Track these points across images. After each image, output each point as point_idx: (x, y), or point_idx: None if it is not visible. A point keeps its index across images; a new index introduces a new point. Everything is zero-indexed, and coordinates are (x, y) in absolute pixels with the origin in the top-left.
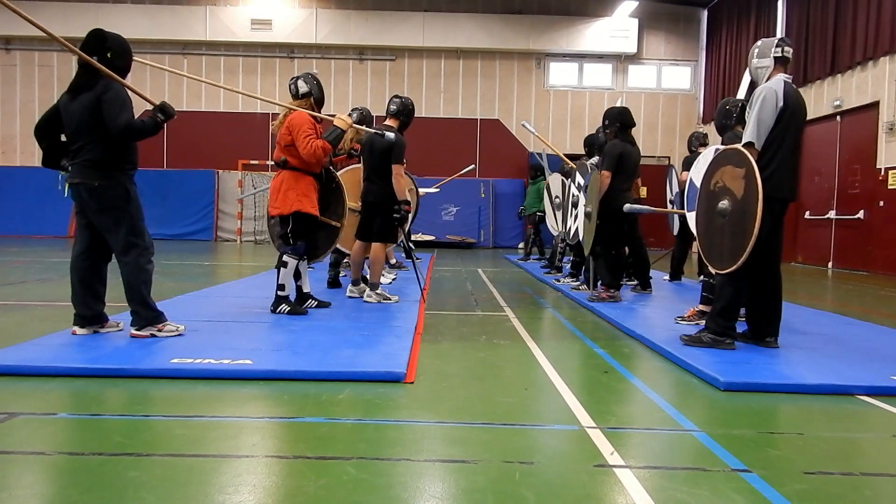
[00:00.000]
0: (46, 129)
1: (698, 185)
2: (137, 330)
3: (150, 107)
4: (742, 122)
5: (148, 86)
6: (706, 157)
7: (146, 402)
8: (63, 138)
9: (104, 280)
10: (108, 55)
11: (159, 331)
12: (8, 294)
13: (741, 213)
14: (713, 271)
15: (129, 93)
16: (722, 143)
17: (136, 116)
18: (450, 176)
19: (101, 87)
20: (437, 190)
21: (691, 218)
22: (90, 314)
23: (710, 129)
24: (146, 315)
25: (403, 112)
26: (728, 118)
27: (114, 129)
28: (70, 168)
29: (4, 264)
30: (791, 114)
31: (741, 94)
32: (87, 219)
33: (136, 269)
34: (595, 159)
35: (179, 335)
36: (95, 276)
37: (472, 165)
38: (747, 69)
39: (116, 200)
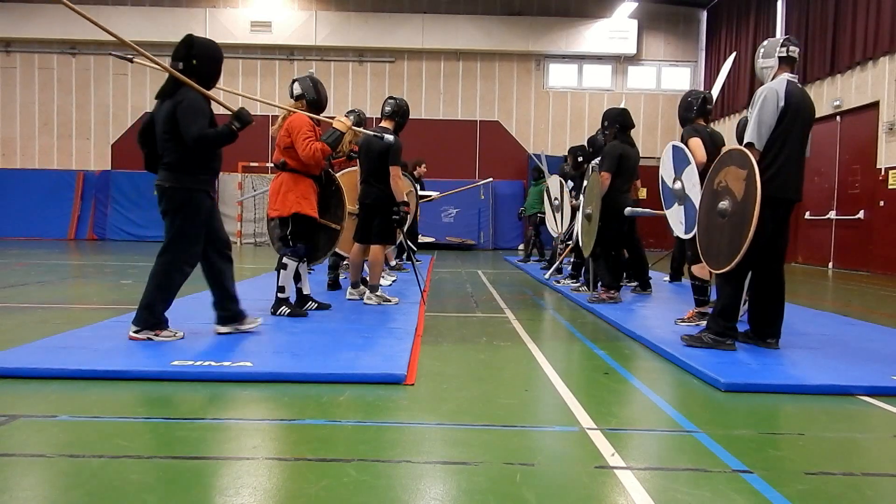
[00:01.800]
0: (146, 135)
1: (670, 184)
2: (135, 330)
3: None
4: (702, 115)
5: (148, 89)
6: (667, 153)
7: (147, 405)
8: None
9: (232, 277)
10: (193, 62)
11: (156, 335)
12: (9, 296)
13: (740, 214)
14: (694, 270)
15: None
16: (681, 137)
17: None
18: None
19: (178, 96)
20: (438, 195)
21: (668, 216)
22: (228, 314)
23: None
24: (147, 319)
25: (398, 113)
26: (688, 111)
27: (187, 139)
28: (158, 171)
29: (5, 266)
30: (794, 113)
31: (715, 90)
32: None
33: (162, 272)
34: (595, 161)
35: (173, 338)
36: (222, 277)
37: (490, 178)
38: (725, 66)
39: (176, 204)
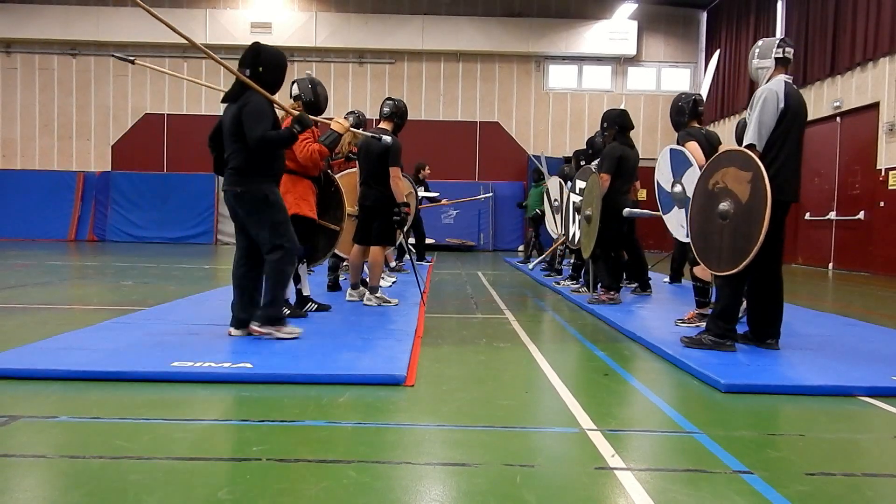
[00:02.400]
0: (216, 139)
1: (666, 188)
2: (258, 326)
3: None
4: (695, 117)
5: (148, 90)
6: (664, 157)
7: (147, 406)
8: None
9: (260, 286)
10: (260, 69)
11: (278, 331)
12: (9, 297)
13: (745, 217)
14: (696, 272)
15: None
16: (677, 141)
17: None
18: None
19: (243, 100)
20: (437, 195)
21: (667, 220)
22: (247, 318)
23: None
24: (271, 314)
25: (397, 114)
26: (681, 115)
27: (250, 141)
28: (225, 175)
29: (5, 267)
30: (793, 115)
31: (704, 91)
32: (240, 222)
33: (275, 269)
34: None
35: (295, 338)
36: (252, 282)
37: (490, 195)
38: (710, 65)
39: (258, 205)
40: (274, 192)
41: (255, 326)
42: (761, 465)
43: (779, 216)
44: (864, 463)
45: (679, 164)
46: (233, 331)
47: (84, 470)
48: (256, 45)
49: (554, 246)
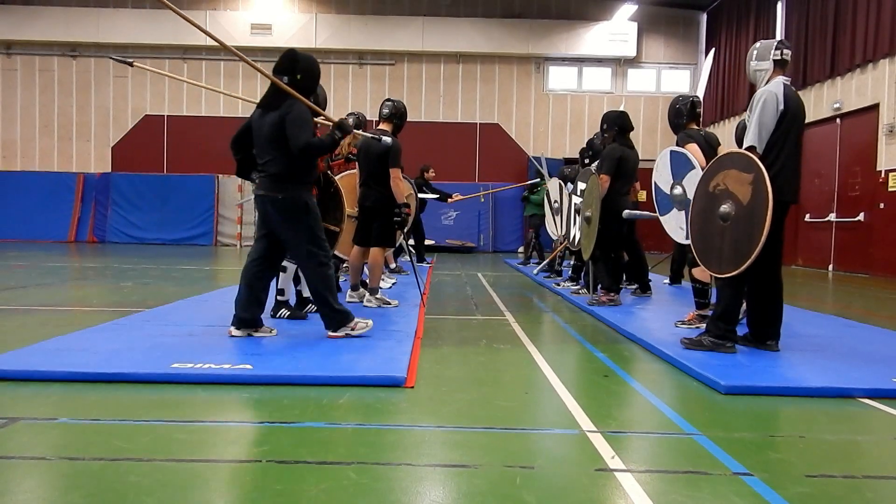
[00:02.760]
0: (240, 142)
1: (664, 189)
2: (333, 332)
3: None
4: (693, 119)
5: (148, 91)
6: (663, 159)
7: (147, 407)
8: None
9: (268, 288)
10: (298, 76)
11: (353, 329)
12: (8, 298)
13: (747, 219)
14: (695, 273)
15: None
16: (677, 143)
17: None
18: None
19: (285, 107)
20: (436, 196)
21: (665, 222)
22: (249, 318)
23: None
24: (336, 317)
25: (396, 115)
26: (679, 117)
27: (295, 148)
28: (257, 181)
29: (5, 269)
30: (792, 116)
31: (700, 92)
32: (268, 228)
33: (318, 276)
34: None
35: (367, 329)
36: (261, 284)
37: (480, 195)
38: (705, 65)
39: (297, 212)
40: (312, 200)
41: (331, 333)
42: (761, 467)
43: (778, 217)
44: (865, 464)
45: (680, 165)
46: (233, 330)
47: (84, 471)
48: (293, 52)
49: (555, 252)
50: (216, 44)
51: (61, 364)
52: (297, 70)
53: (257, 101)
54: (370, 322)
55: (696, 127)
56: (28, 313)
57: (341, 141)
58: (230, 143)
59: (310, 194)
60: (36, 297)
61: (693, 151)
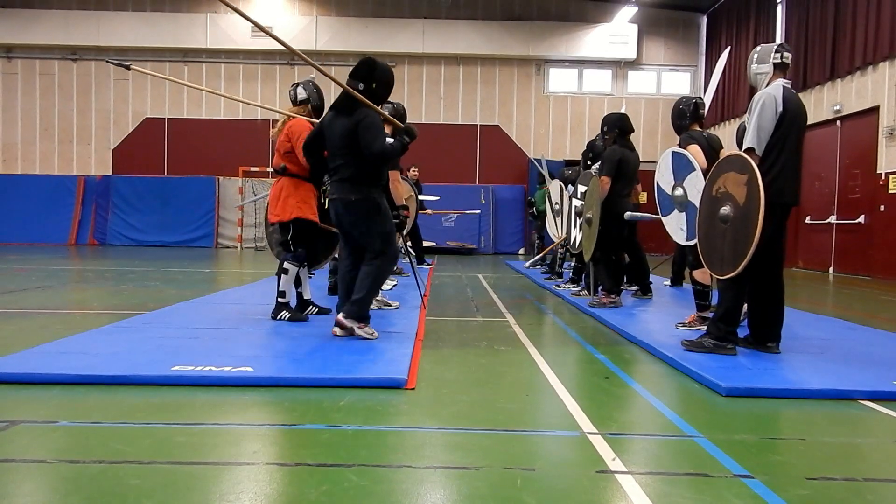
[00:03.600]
0: (313, 146)
1: (666, 190)
2: (344, 317)
3: None
4: (696, 120)
5: (149, 94)
6: (665, 160)
7: (147, 410)
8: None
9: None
10: (373, 85)
11: (359, 328)
12: (9, 301)
13: (743, 219)
14: (695, 275)
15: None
16: (679, 144)
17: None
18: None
19: (359, 114)
20: (437, 198)
21: (666, 223)
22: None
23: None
24: (359, 312)
25: (396, 117)
26: (682, 118)
27: (369, 154)
28: (329, 185)
29: (5, 272)
30: (791, 118)
31: (709, 95)
32: (343, 230)
33: (377, 271)
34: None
35: (371, 338)
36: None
37: (478, 210)
38: (718, 65)
39: (370, 213)
40: (384, 201)
41: (341, 317)
42: (762, 469)
43: (779, 219)
44: (865, 467)
45: (681, 167)
46: (338, 331)
47: (84, 474)
48: (371, 60)
49: (552, 246)
50: (218, 47)
51: (62, 367)
52: (373, 79)
53: (258, 103)
54: (376, 333)
55: (699, 129)
56: (28, 316)
57: (408, 145)
58: (302, 147)
59: (381, 196)
60: (36, 300)
61: (694, 153)
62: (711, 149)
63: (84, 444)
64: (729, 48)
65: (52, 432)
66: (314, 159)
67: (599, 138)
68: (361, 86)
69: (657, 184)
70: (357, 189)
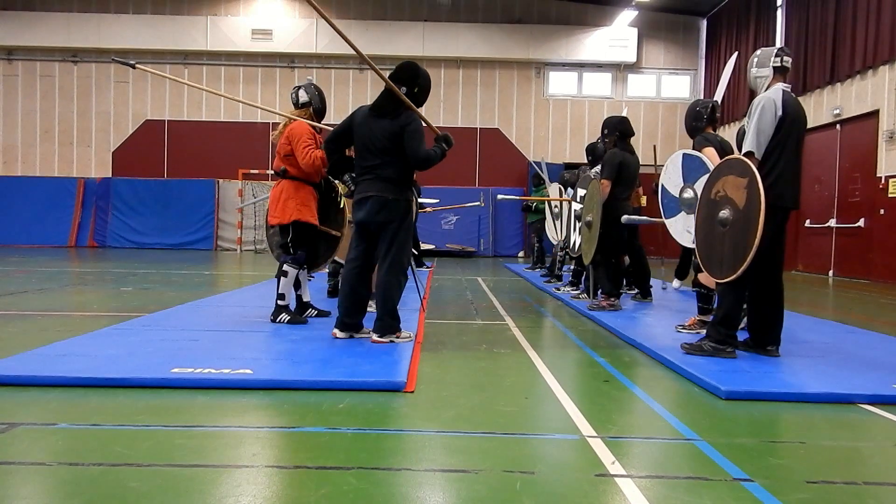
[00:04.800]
0: (337, 143)
1: (672, 192)
2: (379, 337)
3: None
4: (711, 123)
5: (149, 96)
6: (674, 161)
7: (147, 412)
8: (347, 152)
9: (370, 291)
10: (416, 90)
11: (397, 337)
12: (8, 304)
13: (743, 222)
14: (700, 279)
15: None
16: (693, 147)
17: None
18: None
19: (405, 118)
20: (437, 201)
21: (670, 225)
22: (352, 322)
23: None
24: (390, 324)
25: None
26: (698, 120)
27: (414, 158)
28: (360, 183)
29: (5, 274)
30: (791, 122)
31: (718, 96)
32: (368, 230)
33: (394, 281)
34: (597, 168)
35: (409, 340)
36: (367, 288)
37: (481, 203)
38: (727, 69)
39: (403, 212)
40: (415, 203)
41: (376, 337)
42: (762, 473)
43: (779, 222)
44: (866, 471)
45: (692, 169)
46: (338, 333)
47: (84, 477)
48: (414, 65)
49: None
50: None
51: (61, 369)
52: (417, 84)
53: (258, 105)
54: (412, 333)
55: (712, 131)
56: (28, 318)
57: (308, 140)
58: (324, 143)
59: (413, 197)
60: (36, 303)
61: (710, 156)
62: (724, 152)
63: (83, 446)
64: (737, 54)
65: (51, 435)
66: (336, 156)
67: (600, 141)
68: (404, 89)
69: (661, 185)
70: (397, 189)
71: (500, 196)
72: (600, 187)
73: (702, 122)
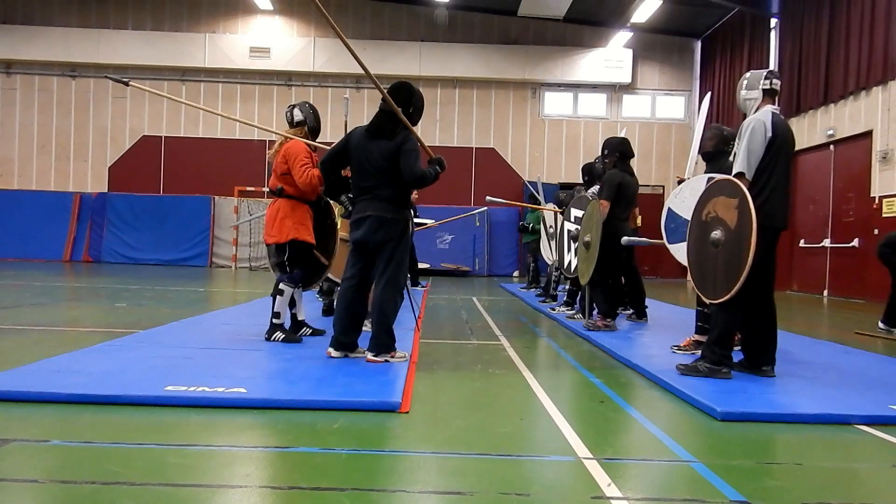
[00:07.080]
0: (333, 164)
1: (681, 214)
2: (374, 355)
3: None
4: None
5: (146, 112)
6: (693, 186)
7: (140, 430)
8: (342, 173)
9: (366, 310)
10: (411, 110)
11: (392, 357)
12: (3, 318)
13: (735, 243)
14: (706, 301)
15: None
16: (714, 170)
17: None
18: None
19: (401, 138)
20: (434, 223)
21: (674, 250)
22: (347, 341)
23: None
24: (385, 342)
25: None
26: (727, 144)
27: (410, 177)
28: (358, 202)
29: (0, 287)
30: (780, 144)
31: (696, 141)
32: (366, 249)
33: (390, 298)
34: (594, 188)
35: (404, 360)
36: (363, 307)
37: (485, 208)
38: (703, 109)
39: (401, 232)
40: (412, 222)
41: (371, 356)
42: (758, 495)
43: (769, 242)
44: (862, 492)
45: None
46: (332, 352)
47: (76, 495)
48: (409, 85)
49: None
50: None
51: (54, 385)
52: (411, 104)
53: (255, 124)
54: (407, 353)
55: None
56: (21, 333)
57: (304, 160)
58: (320, 163)
59: (410, 216)
60: (30, 317)
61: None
62: None
63: (76, 464)
64: (709, 94)
65: (44, 452)
66: (333, 177)
67: (599, 161)
68: (401, 109)
69: (669, 209)
70: (394, 208)
71: (488, 198)
72: (599, 207)
73: (731, 145)
